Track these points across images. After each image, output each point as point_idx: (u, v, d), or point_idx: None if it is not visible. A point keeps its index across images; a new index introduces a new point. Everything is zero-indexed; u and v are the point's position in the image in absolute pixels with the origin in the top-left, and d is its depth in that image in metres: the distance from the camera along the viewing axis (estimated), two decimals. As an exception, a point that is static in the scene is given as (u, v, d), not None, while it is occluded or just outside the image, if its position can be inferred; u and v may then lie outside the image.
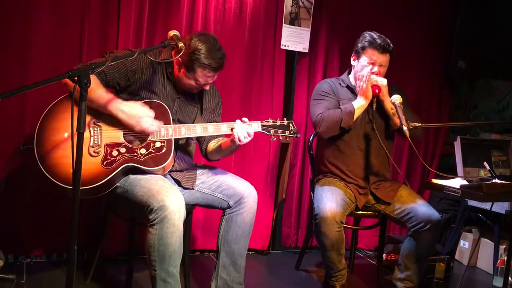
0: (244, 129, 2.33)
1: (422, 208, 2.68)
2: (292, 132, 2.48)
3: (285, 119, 2.51)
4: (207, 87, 2.45)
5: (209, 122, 2.56)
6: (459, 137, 3.53)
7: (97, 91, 2.20)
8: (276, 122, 2.48)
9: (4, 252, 2.75)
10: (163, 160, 2.30)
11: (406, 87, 3.06)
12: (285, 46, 3.43)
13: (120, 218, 2.65)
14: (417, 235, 2.66)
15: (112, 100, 2.22)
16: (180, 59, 2.28)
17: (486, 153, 3.61)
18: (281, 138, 2.47)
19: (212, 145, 2.57)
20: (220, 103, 2.67)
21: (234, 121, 2.37)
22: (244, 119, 2.38)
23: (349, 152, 2.85)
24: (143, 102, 2.34)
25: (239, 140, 2.32)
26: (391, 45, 2.75)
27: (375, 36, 2.75)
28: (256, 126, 2.42)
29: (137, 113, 2.24)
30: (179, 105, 2.48)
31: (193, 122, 2.52)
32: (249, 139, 2.35)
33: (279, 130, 2.46)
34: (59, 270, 2.89)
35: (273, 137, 2.46)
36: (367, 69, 2.73)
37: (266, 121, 2.46)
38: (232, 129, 2.35)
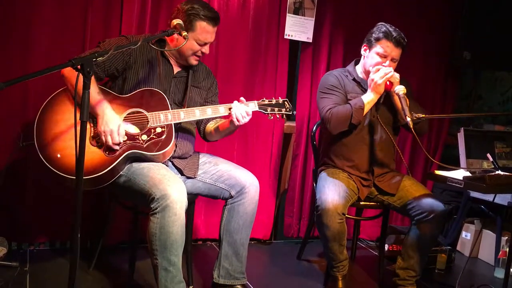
0: (242, 109, 2.34)
1: (425, 198, 2.68)
2: (287, 109, 2.52)
3: (280, 97, 2.54)
4: (207, 50, 2.44)
5: (207, 101, 2.59)
6: (462, 128, 3.52)
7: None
8: (271, 101, 2.50)
9: (7, 239, 2.77)
10: (165, 145, 2.31)
11: (410, 78, 3.05)
12: (289, 35, 3.41)
13: (123, 207, 2.66)
14: (420, 225, 2.66)
15: (100, 102, 2.21)
16: (185, 40, 2.27)
17: (489, 144, 3.59)
18: (277, 116, 2.49)
19: (210, 126, 2.58)
20: (216, 83, 2.68)
21: None
22: (242, 99, 2.39)
23: (354, 145, 2.83)
24: (141, 90, 2.35)
25: (238, 120, 2.34)
26: (406, 39, 2.70)
27: (390, 28, 2.69)
28: (253, 106, 2.44)
29: (110, 126, 2.20)
30: (176, 84, 2.49)
31: (184, 99, 2.51)
32: (247, 118, 2.36)
33: (275, 108, 2.49)
34: (62, 258, 2.91)
35: (270, 115, 2.48)
36: (387, 68, 2.65)
37: (262, 100, 2.49)
38: (230, 109, 2.36)
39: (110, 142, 2.20)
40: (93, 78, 2.20)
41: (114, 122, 2.21)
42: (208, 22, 2.36)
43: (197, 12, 2.32)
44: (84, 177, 1.77)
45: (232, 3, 3.22)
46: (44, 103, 2.25)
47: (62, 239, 3.05)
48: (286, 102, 2.53)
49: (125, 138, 2.26)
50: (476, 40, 3.68)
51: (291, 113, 2.52)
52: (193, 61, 2.46)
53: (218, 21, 2.41)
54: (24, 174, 2.84)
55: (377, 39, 2.70)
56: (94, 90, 2.21)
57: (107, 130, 2.19)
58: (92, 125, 2.24)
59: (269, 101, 2.50)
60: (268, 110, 2.47)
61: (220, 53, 3.23)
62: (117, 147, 2.23)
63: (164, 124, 2.32)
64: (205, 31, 2.37)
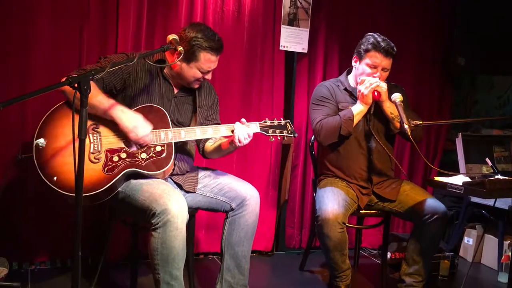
0: (244, 131, 2.34)
1: (427, 200, 2.68)
2: (289, 131, 2.50)
3: (282, 119, 2.53)
4: (209, 76, 2.45)
5: (207, 120, 2.57)
6: (460, 133, 3.53)
7: (98, 97, 2.20)
8: (273, 122, 2.49)
9: (8, 259, 2.76)
10: (164, 164, 2.30)
11: (405, 85, 3.06)
12: (284, 47, 3.43)
13: (123, 223, 2.65)
14: (423, 227, 2.65)
15: (113, 105, 2.23)
16: (180, 56, 2.28)
17: (488, 149, 3.60)
18: (279, 138, 2.48)
19: (209, 145, 2.58)
20: (217, 100, 2.67)
21: (234, 122, 2.38)
22: (243, 120, 2.39)
23: (351, 154, 2.84)
24: (142, 107, 2.35)
25: (239, 142, 2.34)
26: (395, 48, 2.71)
27: (379, 38, 2.69)
28: (254, 127, 2.43)
29: (134, 121, 2.23)
30: (176, 104, 2.49)
31: (190, 121, 2.52)
32: (248, 140, 2.36)
33: (277, 130, 2.48)
34: (63, 276, 2.89)
35: (271, 137, 2.47)
36: (373, 78, 2.68)
37: (264, 122, 2.48)
38: (232, 131, 2.36)
39: (143, 135, 2.22)
40: (97, 87, 2.23)
41: (138, 116, 2.24)
42: (212, 53, 2.35)
43: (200, 44, 2.31)
44: (83, 194, 1.77)
45: (226, 16, 3.24)
46: (43, 118, 2.24)
47: (63, 257, 3.04)
48: (288, 124, 2.51)
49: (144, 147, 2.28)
50: (470, 45, 3.70)
51: (292, 135, 2.51)
52: (195, 85, 2.47)
53: (222, 49, 2.40)
54: (22, 190, 2.83)
55: (366, 51, 2.71)
56: (101, 97, 2.22)
57: (138, 124, 2.22)
58: (91, 140, 2.24)
59: (271, 122, 2.48)
60: (270, 132, 2.47)
61: (216, 66, 3.23)
62: (149, 140, 2.26)
63: (164, 143, 2.32)
64: (208, 61, 2.37)
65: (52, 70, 2.82)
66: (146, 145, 2.27)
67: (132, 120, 2.23)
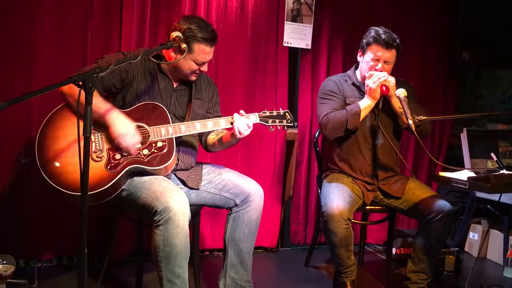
0: (244, 122, 2.35)
1: (432, 199, 2.68)
2: (289, 121, 2.51)
3: (281, 108, 2.53)
4: (205, 68, 2.44)
5: (209, 112, 2.59)
6: (465, 128, 3.51)
7: (95, 100, 2.17)
8: (272, 112, 2.50)
9: (15, 257, 2.77)
10: (166, 159, 2.31)
11: (410, 80, 3.05)
12: (287, 43, 3.42)
13: (128, 220, 2.67)
14: (428, 225, 2.65)
15: (109, 110, 2.23)
16: (184, 53, 2.28)
17: (493, 143, 3.58)
18: (279, 128, 2.49)
19: (212, 137, 2.59)
20: (217, 92, 2.68)
21: None
22: (241, 111, 2.40)
23: (357, 149, 2.84)
24: (141, 105, 2.35)
25: (240, 133, 2.34)
26: (397, 40, 2.70)
27: (380, 31, 2.69)
28: (254, 118, 2.44)
29: (124, 130, 2.23)
30: (176, 98, 2.49)
31: (187, 112, 2.52)
32: (249, 131, 2.37)
33: (276, 120, 2.49)
34: (70, 273, 2.91)
35: (271, 127, 2.48)
36: (381, 73, 2.67)
37: (263, 112, 2.49)
38: (232, 124, 2.36)
39: (130, 144, 2.22)
40: (96, 91, 2.22)
41: (130, 125, 2.24)
42: (206, 44, 2.34)
43: (194, 34, 2.31)
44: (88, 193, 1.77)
45: (230, 13, 3.24)
46: (45, 120, 2.26)
47: (69, 254, 3.05)
48: (287, 114, 2.53)
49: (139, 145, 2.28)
50: (475, 40, 3.68)
51: (292, 124, 2.52)
52: (193, 77, 2.47)
53: (216, 40, 2.40)
54: (27, 190, 2.84)
55: (368, 44, 2.72)
56: (99, 100, 2.22)
57: (128, 133, 2.22)
58: (92, 140, 2.25)
59: (270, 112, 2.50)
60: (269, 122, 2.47)
61: (220, 62, 3.24)
62: (136, 150, 2.25)
63: (165, 138, 2.33)
64: (203, 52, 2.36)
65: (55, 69, 2.82)
66: (129, 153, 2.26)
67: (122, 128, 2.23)
